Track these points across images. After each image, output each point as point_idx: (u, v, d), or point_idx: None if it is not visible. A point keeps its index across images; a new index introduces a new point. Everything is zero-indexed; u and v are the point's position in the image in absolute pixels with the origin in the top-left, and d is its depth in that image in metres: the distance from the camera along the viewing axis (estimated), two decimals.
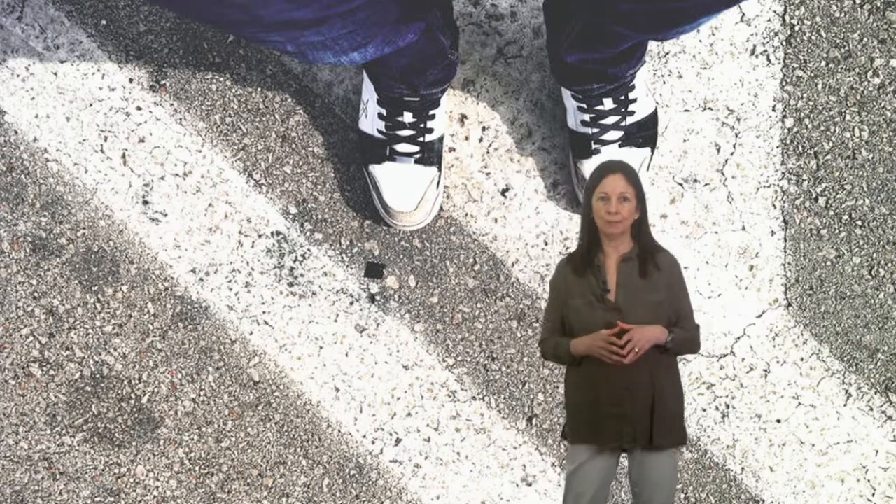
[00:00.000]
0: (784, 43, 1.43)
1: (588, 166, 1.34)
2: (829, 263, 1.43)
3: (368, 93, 1.34)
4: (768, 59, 1.43)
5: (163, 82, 1.46)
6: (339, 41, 0.97)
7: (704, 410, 1.43)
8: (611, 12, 0.97)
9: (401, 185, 1.35)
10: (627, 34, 1.06)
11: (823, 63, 1.43)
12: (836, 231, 1.43)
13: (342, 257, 1.44)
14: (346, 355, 1.44)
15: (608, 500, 0.85)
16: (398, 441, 1.44)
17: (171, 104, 1.46)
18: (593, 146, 1.33)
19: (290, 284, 1.44)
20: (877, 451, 1.43)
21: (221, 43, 1.46)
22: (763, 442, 1.42)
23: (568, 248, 1.43)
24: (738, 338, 1.42)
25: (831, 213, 1.43)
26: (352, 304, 1.44)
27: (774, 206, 1.42)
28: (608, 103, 1.30)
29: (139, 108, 1.46)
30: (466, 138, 1.44)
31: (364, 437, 1.44)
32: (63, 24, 1.46)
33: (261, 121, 1.45)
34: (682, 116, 1.43)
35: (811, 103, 1.43)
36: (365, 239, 1.44)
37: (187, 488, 1.45)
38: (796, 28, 1.43)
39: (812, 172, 1.43)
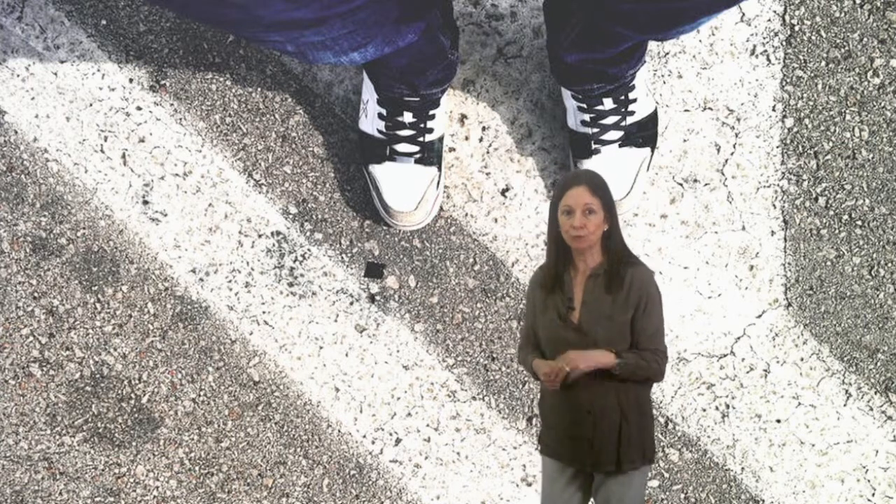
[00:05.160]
0: (784, 43, 1.43)
1: (588, 166, 1.34)
2: (829, 263, 1.43)
3: (368, 93, 1.34)
4: (768, 59, 1.43)
5: (163, 82, 1.46)
6: (339, 41, 0.97)
7: (704, 410, 1.43)
8: (611, 12, 0.97)
9: (401, 185, 1.35)
10: (627, 34, 1.06)
11: (823, 63, 1.43)
12: (836, 231, 1.43)
13: (342, 257, 1.44)
14: (346, 355, 1.44)
15: None
16: (398, 441, 1.44)
17: (171, 104, 1.46)
18: (593, 146, 1.33)
19: (290, 284, 1.44)
20: (877, 451, 1.43)
21: (221, 43, 1.46)
22: (763, 442, 1.42)
23: None
24: (738, 338, 1.42)
25: (831, 213, 1.43)
26: (352, 304, 1.44)
27: (774, 206, 1.42)
28: (608, 103, 1.30)
29: (139, 108, 1.45)
30: (466, 138, 1.44)
31: (364, 437, 1.44)
32: (63, 24, 1.46)
33: (261, 121, 1.45)
34: (682, 116, 1.43)
35: (811, 103, 1.43)
36: (365, 239, 1.44)
37: (187, 488, 1.45)
38: (796, 28, 1.43)
39: (812, 172, 1.43)
